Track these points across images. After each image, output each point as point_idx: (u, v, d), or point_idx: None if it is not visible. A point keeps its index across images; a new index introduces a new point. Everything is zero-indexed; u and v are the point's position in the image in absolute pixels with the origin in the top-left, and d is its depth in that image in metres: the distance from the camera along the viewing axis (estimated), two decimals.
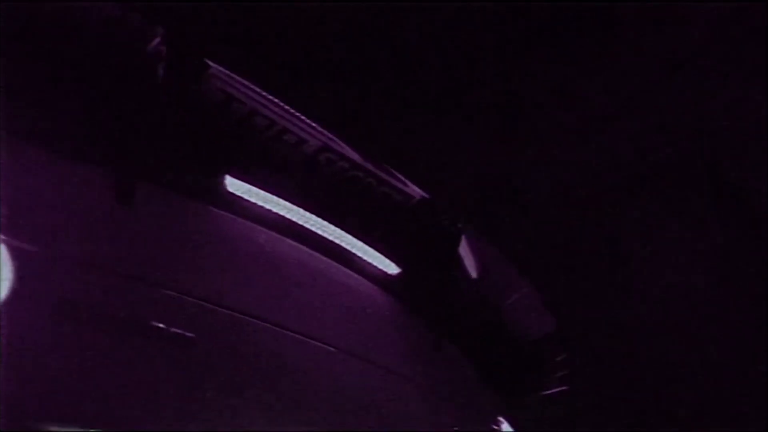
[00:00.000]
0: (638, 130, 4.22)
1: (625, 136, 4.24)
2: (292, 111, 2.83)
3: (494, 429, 3.24)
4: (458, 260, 3.34)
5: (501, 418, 3.31)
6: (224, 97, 2.69)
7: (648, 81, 4.11)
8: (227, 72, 2.70)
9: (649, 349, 4.06)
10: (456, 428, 3.06)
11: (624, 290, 4.09)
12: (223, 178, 2.70)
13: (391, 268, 3.11)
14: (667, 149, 4.20)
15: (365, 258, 3.05)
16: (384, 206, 3.05)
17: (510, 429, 3.31)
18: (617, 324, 4.00)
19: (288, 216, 2.86)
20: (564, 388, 3.53)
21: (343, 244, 3.00)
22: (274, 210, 2.83)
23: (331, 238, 2.96)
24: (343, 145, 2.93)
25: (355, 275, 3.04)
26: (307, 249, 2.93)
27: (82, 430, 2.19)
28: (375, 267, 3.08)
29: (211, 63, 2.65)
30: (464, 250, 3.39)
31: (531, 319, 3.58)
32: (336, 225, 2.98)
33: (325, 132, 2.89)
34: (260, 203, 2.79)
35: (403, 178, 3.09)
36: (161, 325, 2.37)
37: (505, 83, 4.11)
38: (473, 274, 3.42)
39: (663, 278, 4.09)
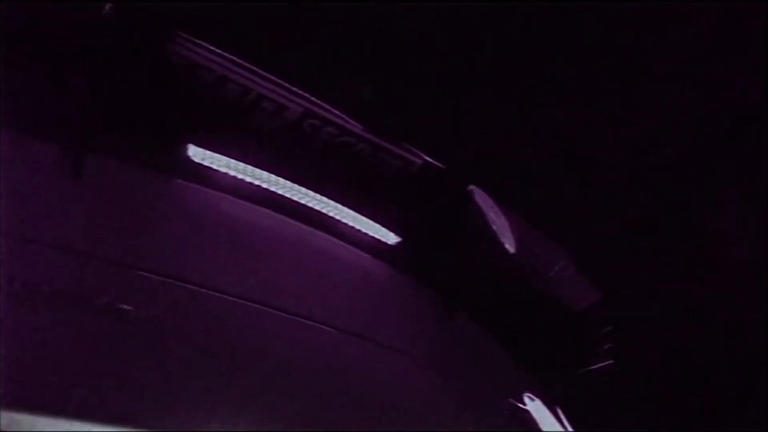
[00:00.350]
0: (640, 131, 4.18)
1: (626, 137, 4.19)
2: (271, 78, 2.77)
3: (519, 406, 3.10)
4: (474, 227, 3.22)
5: (530, 395, 3.15)
6: (189, 65, 2.64)
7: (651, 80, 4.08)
8: (195, 40, 2.64)
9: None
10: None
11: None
12: (184, 147, 2.64)
13: (390, 238, 3.03)
14: (667, 149, 4.15)
15: (359, 228, 2.99)
16: (381, 173, 2.98)
17: (540, 405, 3.16)
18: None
19: (267, 186, 2.81)
20: (609, 362, 3.35)
21: (332, 214, 2.95)
22: (248, 180, 2.77)
23: (318, 208, 2.92)
24: (332, 111, 2.87)
25: (349, 247, 2.97)
26: (291, 221, 2.87)
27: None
28: (371, 237, 3.01)
29: (175, 31, 2.60)
30: (496, 219, 3.27)
31: (573, 291, 3.41)
32: (324, 194, 2.93)
33: (311, 98, 2.83)
34: (232, 173, 2.73)
35: (404, 145, 3.02)
36: (123, 306, 2.25)
37: (506, 83, 4.08)
38: (510, 246, 3.27)
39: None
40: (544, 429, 3.08)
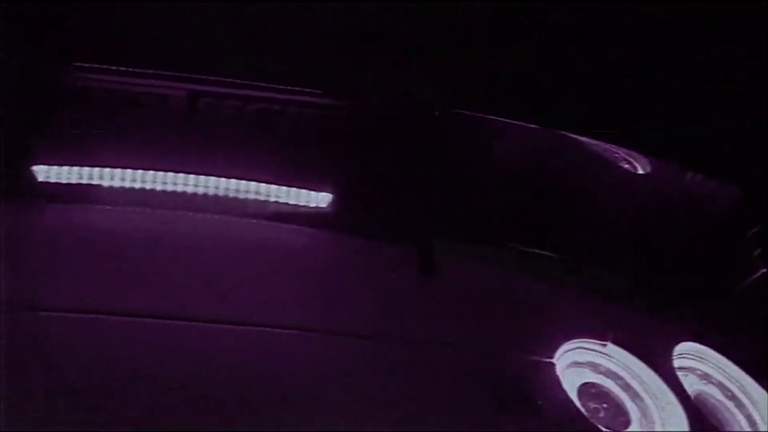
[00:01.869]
0: None
1: None
2: (145, 72, 2.50)
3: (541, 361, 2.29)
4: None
5: (598, 339, 2.33)
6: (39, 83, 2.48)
7: None
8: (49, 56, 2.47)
9: None
10: None
11: None
12: (31, 169, 2.34)
13: (320, 200, 2.46)
14: None
15: (277, 200, 2.46)
16: (302, 130, 2.54)
17: (616, 349, 2.30)
18: None
19: (150, 187, 2.41)
20: (765, 270, 2.65)
21: (233, 195, 2.44)
22: (117, 185, 2.39)
23: (214, 193, 2.43)
24: (226, 82, 2.50)
25: (269, 224, 2.44)
26: (191, 215, 2.41)
27: None
28: (296, 206, 2.46)
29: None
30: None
31: (702, 195, 2.85)
32: (227, 176, 2.46)
33: (198, 76, 2.48)
34: (96, 182, 2.38)
35: (331, 89, 2.55)
36: None
37: None
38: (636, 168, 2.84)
39: None
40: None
